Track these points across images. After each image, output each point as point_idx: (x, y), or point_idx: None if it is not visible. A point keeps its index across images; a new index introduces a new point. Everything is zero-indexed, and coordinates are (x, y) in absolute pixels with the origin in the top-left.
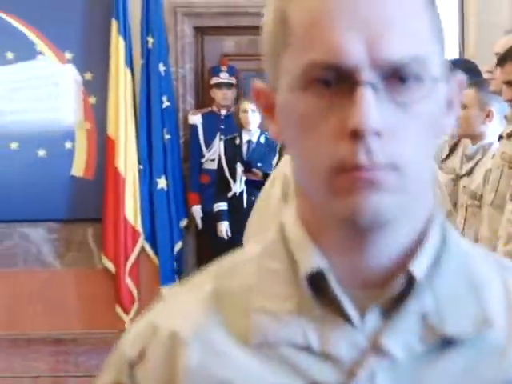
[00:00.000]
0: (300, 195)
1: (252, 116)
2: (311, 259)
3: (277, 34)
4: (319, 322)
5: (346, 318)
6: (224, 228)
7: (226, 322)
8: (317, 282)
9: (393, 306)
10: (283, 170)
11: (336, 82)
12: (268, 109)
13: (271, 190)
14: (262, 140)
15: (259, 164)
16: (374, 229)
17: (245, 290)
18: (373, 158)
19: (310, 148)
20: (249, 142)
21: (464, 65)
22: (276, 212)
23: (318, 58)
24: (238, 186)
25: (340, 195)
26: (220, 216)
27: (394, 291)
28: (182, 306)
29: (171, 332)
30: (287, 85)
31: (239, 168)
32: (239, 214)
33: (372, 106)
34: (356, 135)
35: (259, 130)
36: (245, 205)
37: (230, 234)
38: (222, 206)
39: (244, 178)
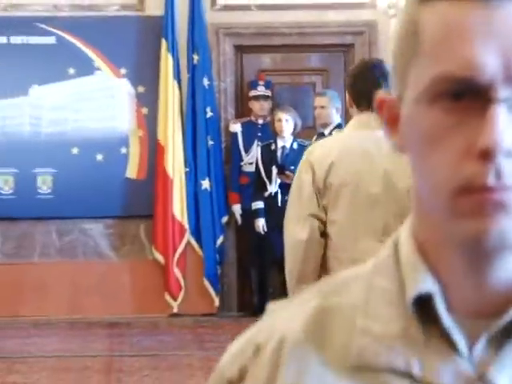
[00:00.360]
0: (418, 212)
1: (285, 125)
2: (420, 281)
3: (407, 44)
4: (423, 347)
5: (453, 345)
6: (261, 224)
7: (327, 340)
8: (424, 306)
9: (504, 337)
10: (309, 159)
11: (466, 97)
12: (391, 120)
13: (304, 176)
14: (295, 146)
15: (292, 167)
16: (497, 253)
17: (350, 308)
18: (503, 180)
19: (434, 165)
20: (283, 147)
21: None
22: (309, 195)
23: (450, 70)
24: (273, 187)
25: (465, 216)
26: (257, 213)
27: (508, 321)
28: (284, 323)
29: (273, 350)
30: (413, 97)
31: (274, 171)
32: (274, 212)
33: (505, 126)
34: (486, 155)
35: (292, 137)
36: (279, 203)
37: (265, 229)
38: (259, 204)
39: (278, 180)
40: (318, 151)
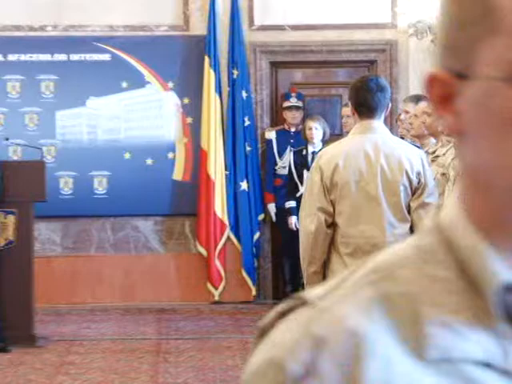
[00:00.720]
0: (478, 194)
1: (315, 132)
2: (503, 271)
3: (474, 18)
4: (501, 336)
5: None
6: (293, 221)
7: (397, 332)
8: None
9: None
10: (319, 162)
11: None
12: (444, 98)
13: (314, 177)
14: None
15: None
16: None
17: (405, 297)
18: None
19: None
20: (313, 152)
21: None
22: (319, 192)
23: None
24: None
25: None
26: (290, 212)
27: None
28: (346, 314)
29: (344, 344)
30: (491, 75)
31: (305, 174)
32: None
33: None
34: None
35: (321, 144)
36: None
37: (297, 225)
38: (292, 203)
39: None
40: (325, 156)
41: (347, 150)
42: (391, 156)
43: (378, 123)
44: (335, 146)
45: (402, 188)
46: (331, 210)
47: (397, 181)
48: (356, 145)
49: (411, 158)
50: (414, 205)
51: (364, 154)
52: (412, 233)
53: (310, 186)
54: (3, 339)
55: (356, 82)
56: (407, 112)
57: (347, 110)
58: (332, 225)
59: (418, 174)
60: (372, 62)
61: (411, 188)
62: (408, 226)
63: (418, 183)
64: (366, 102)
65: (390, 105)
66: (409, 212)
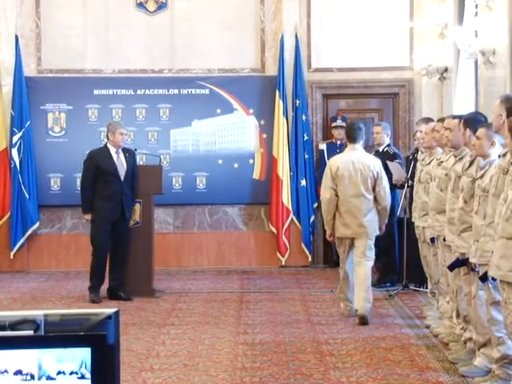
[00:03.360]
0: None
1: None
2: None
3: None
4: None
5: None
6: None
7: None
8: None
9: None
10: (329, 164)
11: None
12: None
13: (327, 171)
14: None
15: None
16: None
17: None
18: None
19: None
20: None
21: (479, 115)
22: (330, 179)
23: None
24: None
25: None
26: None
27: None
28: None
29: None
30: None
31: None
32: None
33: None
34: None
35: None
36: None
37: None
38: None
39: None
40: (332, 161)
41: (342, 159)
42: (364, 163)
43: (358, 146)
44: (337, 156)
45: (369, 178)
46: (336, 188)
47: (367, 175)
48: (347, 156)
49: (374, 164)
50: (375, 187)
51: (351, 161)
52: (374, 200)
53: (325, 176)
54: (130, 292)
55: (348, 124)
56: (420, 131)
57: (376, 128)
58: (336, 196)
59: (377, 172)
60: (395, 95)
61: (374, 178)
62: (372, 196)
63: (377, 177)
64: (351, 135)
65: (364, 137)
66: (373, 190)
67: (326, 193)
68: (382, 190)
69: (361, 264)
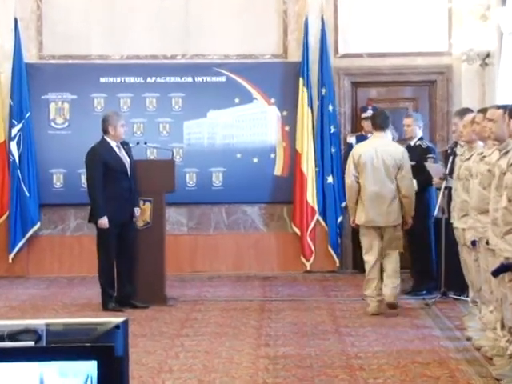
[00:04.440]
0: None
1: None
2: None
3: None
4: None
5: None
6: None
7: None
8: None
9: None
10: (352, 152)
11: None
12: None
13: (350, 159)
14: None
15: None
16: None
17: None
18: None
19: None
20: None
21: None
22: (352, 167)
23: None
24: None
25: None
26: None
27: None
28: None
29: None
30: None
31: None
32: None
33: None
34: None
35: None
36: None
37: None
38: None
39: None
40: (355, 149)
41: (366, 146)
42: (387, 151)
43: (385, 134)
44: (361, 144)
45: (391, 167)
46: (358, 176)
47: (390, 163)
48: (370, 144)
49: (397, 152)
50: (397, 176)
51: (374, 149)
52: (396, 189)
53: (348, 162)
54: (141, 300)
55: (374, 113)
56: (455, 124)
57: (407, 120)
58: (358, 183)
59: (400, 160)
60: (432, 82)
61: (397, 167)
62: (395, 185)
63: (400, 165)
64: (378, 123)
65: (390, 126)
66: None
67: (348, 180)
68: (404, 179)
69: (389, 256)
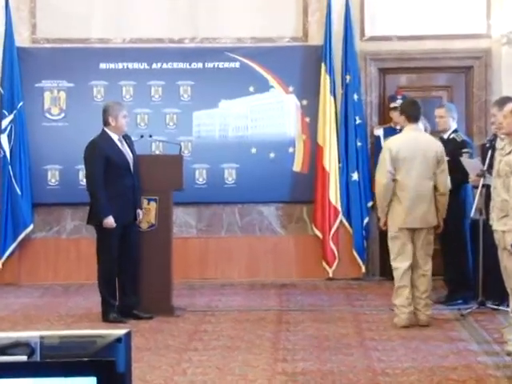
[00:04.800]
0: None
1: None
2: None
3: None
4: None
5: None
6: None
7: None
8: None
9: None
10: (388, 145)
11: None
12: None
13: (386, 154)
14: None
15: None
16: None
17: None
18: None
19: None
20: None
21: None
22: (388, 162)
23: None
24: None
25: None
26: None
27: None
28: None
29: None
30: None
31: None
32: None
33: None
34: None
35: None
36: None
37: None
38: None
39: None
40: (391, 142)
41: (404, 139)
42: (427, 144)
43: (419, 126)
44: (396, 137)
45: (431, 162)
46: (394, 172)
47: (430, 157)
48: (408, 136)
49: (437, 145)
50: (437, 170)
51: (414, 142)
52: (434, 187)
53: (382, 159)
54: (145, 310)
55: (405, 102)
56: (494, 115)
57: (439, 111)
58: (393, 181)
59: (440, 155)
60: (469, 68)
61: (436, 161)
62: (432, 183)
63: (439, 160)
64: (413, 113)
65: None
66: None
67: (382, 178)
68: (443, 173)
69: (425, 262)
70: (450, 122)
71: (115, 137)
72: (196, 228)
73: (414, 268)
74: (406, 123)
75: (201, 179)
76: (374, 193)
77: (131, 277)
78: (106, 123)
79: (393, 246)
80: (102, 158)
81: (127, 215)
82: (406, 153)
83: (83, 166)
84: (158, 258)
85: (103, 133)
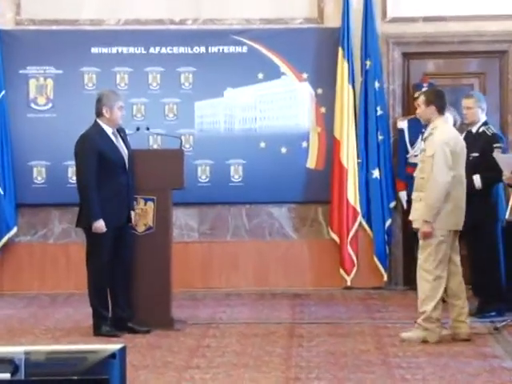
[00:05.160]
0: None
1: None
2: None
3: None
4: None
5: None
6: None
7: None
8: None
9: None
10: (446, 139)
11: None
12: None
13: (446, 149)
14: None
15: None
16: None
17: None
18: None
19: None
20: None
21: None
22: (449, 161)
23: None
24: None
25: None
26: None
27: None
28: None
29: None
30: None
31: None
32: None
33: None
34: None
35: None
36: None
37: None
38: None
39: None
40: (446, 134)
41: (454, 132)
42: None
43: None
44: (447, 130)
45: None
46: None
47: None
48: (453, 130)
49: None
50: None
51: (458, 135)
52: None
53: (442, 154)
54: (141, 323)
55: (434, 91)
56: None
57: (467, 102)
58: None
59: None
60: (503, 53)
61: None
62: None
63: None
64: (444, 103)
65: None
66: None
67: (446, 175)
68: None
69: (459, 268)
70: (479, 114)
71: (109, 130)
72: (198, 231)
73: (451, 275)
74: (436, 115)
75: (204, 177)
76: (397, 192)
77: (124, 285)
78: (99, 114)
79: (437, 252)
80: (95, 153)
81: (121, 217)
82: (459, 147)
83: (73, 162)
84: (155, 264)
85: (96, 125)
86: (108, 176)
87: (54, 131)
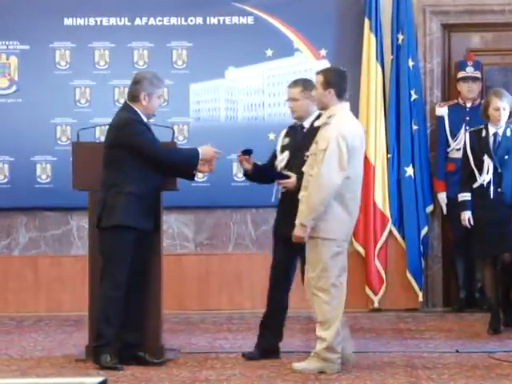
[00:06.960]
0: None
1: (503, 113)
2: None
3: None
4: None
5: None
6: (466, 217)
7: None
8: None
9: None
10: (339, 129)
11: None
12: None
13: None
14: (508, 133)
15: (506, 157)
16: None
17: None
18: None
19: None
20: (495, 134)
21: None
22: None
23: None
24: (484, 177)
25: None
26: (464, 206)
27: None
28: None
29: None
30: None
31: (485, 159)
32: (484, 205)
33: None
34: None
35: (505, 124)
36: (491, 196)
37: (472, 223)
38: (466, 196)
39: (491, 170)
40: None
41: (357, 124)
42: None
43: None
44: (349, 120)
45: None
46: None
47: None
48: (355, 120)
49: None
50: None
51: None
52: None
53: (337, 152)
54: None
55: (340, 71)
56: None
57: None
58: None
59: None
60: None
61: None
62: None
63: None
64: None
65: None
66: None
67: (336, 176)
68: None
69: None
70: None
71: (144, 120)
72: (194, 241)
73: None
74: (335, 101)
75: (200, 175)
76: (436, 193)
77: (139, 306)
78: (133, 98)
79: (333, 267)
80: (150, 133)
81: (149, 221)
82: (358, 140)
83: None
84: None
85: (131, 110)
86: (145, 170)
87: (19, 120)
